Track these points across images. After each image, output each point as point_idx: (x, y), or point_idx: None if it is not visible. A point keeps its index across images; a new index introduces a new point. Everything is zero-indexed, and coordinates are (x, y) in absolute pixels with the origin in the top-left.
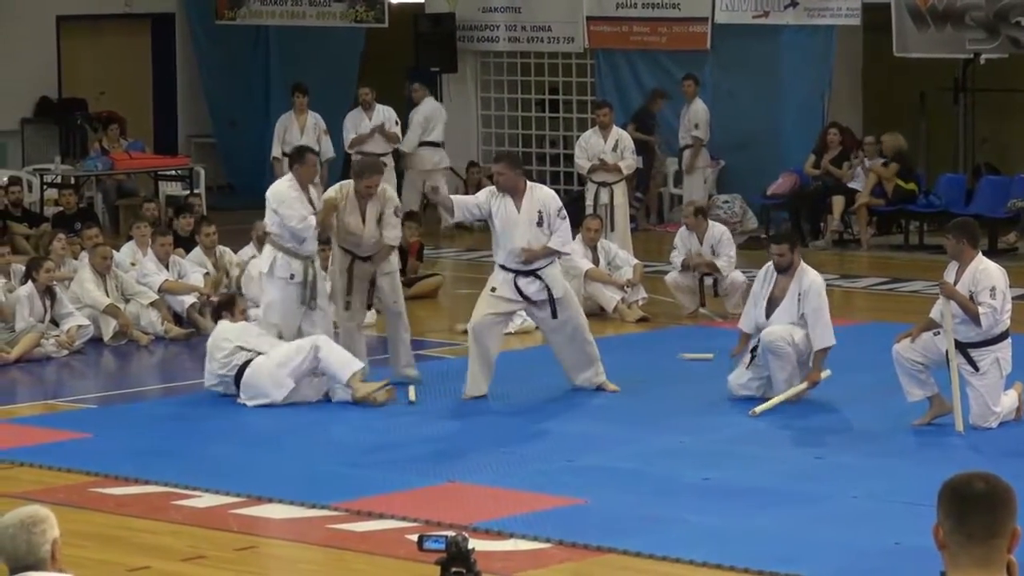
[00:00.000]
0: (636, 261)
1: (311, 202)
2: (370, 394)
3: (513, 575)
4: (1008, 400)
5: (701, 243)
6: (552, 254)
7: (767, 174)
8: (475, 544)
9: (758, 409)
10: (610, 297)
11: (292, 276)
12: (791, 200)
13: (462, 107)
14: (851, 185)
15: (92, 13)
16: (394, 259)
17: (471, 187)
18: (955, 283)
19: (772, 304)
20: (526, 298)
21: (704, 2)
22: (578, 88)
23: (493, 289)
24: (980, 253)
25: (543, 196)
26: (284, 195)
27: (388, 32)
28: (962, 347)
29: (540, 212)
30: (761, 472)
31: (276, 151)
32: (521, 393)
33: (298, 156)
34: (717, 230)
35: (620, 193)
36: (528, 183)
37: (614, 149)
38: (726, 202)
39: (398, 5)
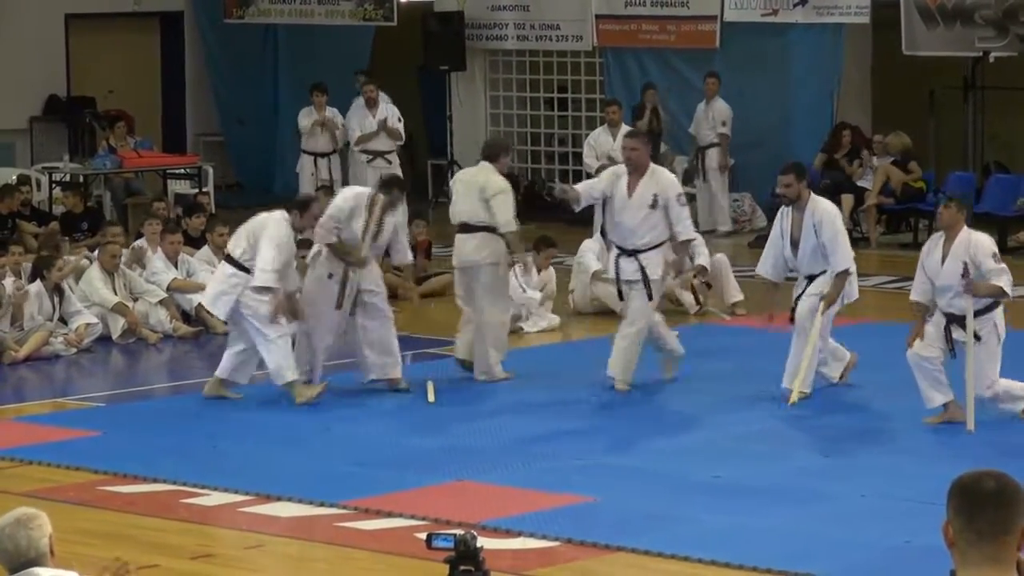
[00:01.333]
0: None
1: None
2: (311, 398)
3: (522, 573)
4: None
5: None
6: (688, 243)
7: (775, 172)
8: (484, 542)
9: (793, 398)
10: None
11: (331, 275)
12: None
13: (471, 105)
14: (860, 183)
15: (101, 11)
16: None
17: None
18: (943, 256)
19: (795, 243)
20: (620, 277)
21: (713, 0)
22: (587, 87)
23: (604, 272)
24: (965, 226)
25: (663, 180)
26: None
27: (397, 30)
28: (960, 319)
29: (656, 195)
30: (771, 470)
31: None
32: (530, 391)
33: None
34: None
35: None
36: (652, 165)
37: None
38: (735, 200)
39: (407, 3)
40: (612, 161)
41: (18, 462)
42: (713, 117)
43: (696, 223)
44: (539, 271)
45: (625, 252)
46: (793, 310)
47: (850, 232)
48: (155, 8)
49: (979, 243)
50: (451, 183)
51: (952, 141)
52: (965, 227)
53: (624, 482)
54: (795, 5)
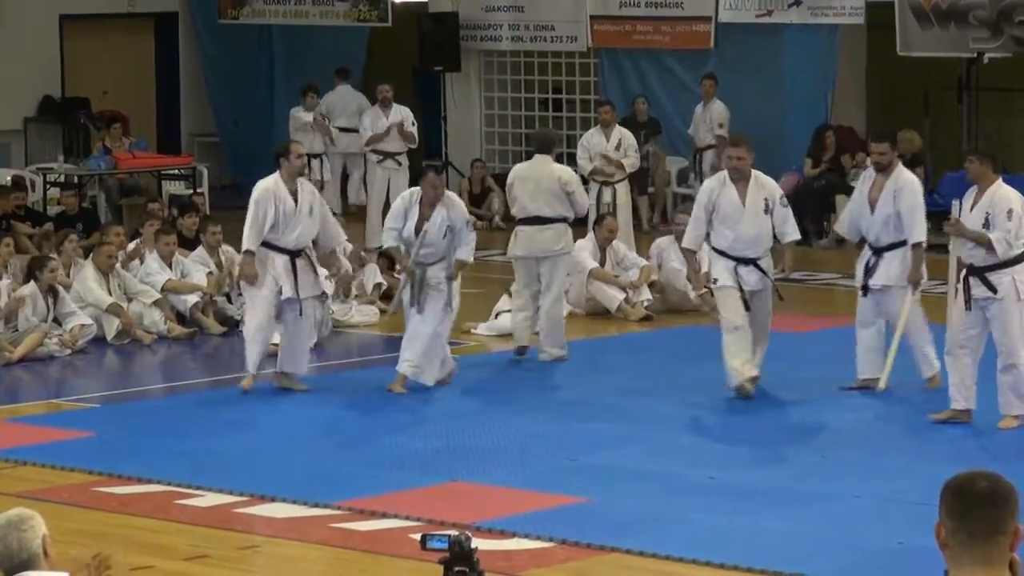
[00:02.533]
0: (645, 263)
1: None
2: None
3: (516, 574)
4: None
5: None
6: (793, 244)
7: (770, 173)
8: (478, 543)
9: (881, 383)
10: (613, 297)
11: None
12: (794, 199)
13: (465, 106)
14: (854, 184)
15: (95, 12)
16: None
17: (474, 183)
18: (972, 207)
19: (872, 207)
20: (743, 288)
21: (707, 1)
22: (581, 87)
23: (715, 281)
24: (1000, 179)
25: (768, 184)
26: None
27: (392, 31)
28: (979, 271)
29: (766, 200)
30: (766, 471)
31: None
32: (524, 391)
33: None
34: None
35: (623, 192)
36: (753, 171)
37: (617, 147)
38: None
39: (401, 4)
40: (606, 159)
41: (12, 463)
42: (711, 119)
43: None
44: None
45: (743, 261)
46: (865, 287)
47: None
48: (150, 9)
49: (1003, 197)
50: (509, 180)
51: (947, 142)
52: (999, 180)
53: (618, 483)
54: (789, 6)
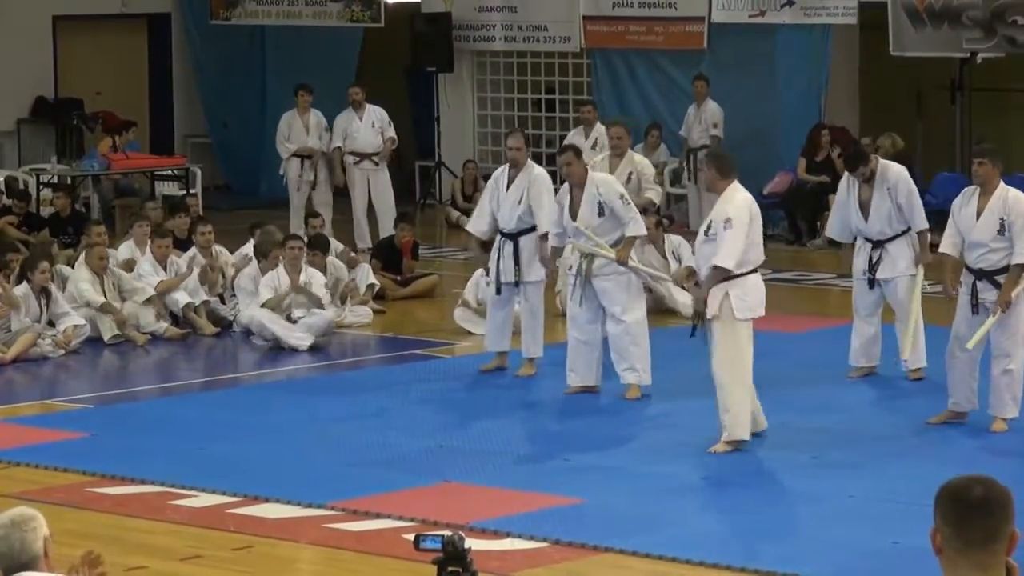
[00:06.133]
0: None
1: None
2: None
3: (510, 574)
4: None
5: (664, 256)
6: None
7: (764, 173)
8: (471, 543)
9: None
10: None
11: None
12: (787, 199)
13: (459, 107)
14: None
15: (88, 13)
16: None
17: (467, 184)
18: (979, 211)
19: (863, 209)
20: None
21: (700, 1)
22: (574, 88)
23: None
24: (1002, 180)
25: (1012, 199)
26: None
27: (385, 32)
28: (989, 275)
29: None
30: (759, 471)
31: (283, 151)
32: (517, 392)
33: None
34: (675, 239)
35: None
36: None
37: (593, 147)
38: None
39: (394, 5)
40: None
41: (6, 464)
42: (705, 119)
43: (687, 224)
44: None
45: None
46: (872, 279)
47: None
48: (142, 10)
49: (1017, 199)
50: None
51: (940, 142)
52: (1002, 183)
53: (611, 483)
54: (782, 6)
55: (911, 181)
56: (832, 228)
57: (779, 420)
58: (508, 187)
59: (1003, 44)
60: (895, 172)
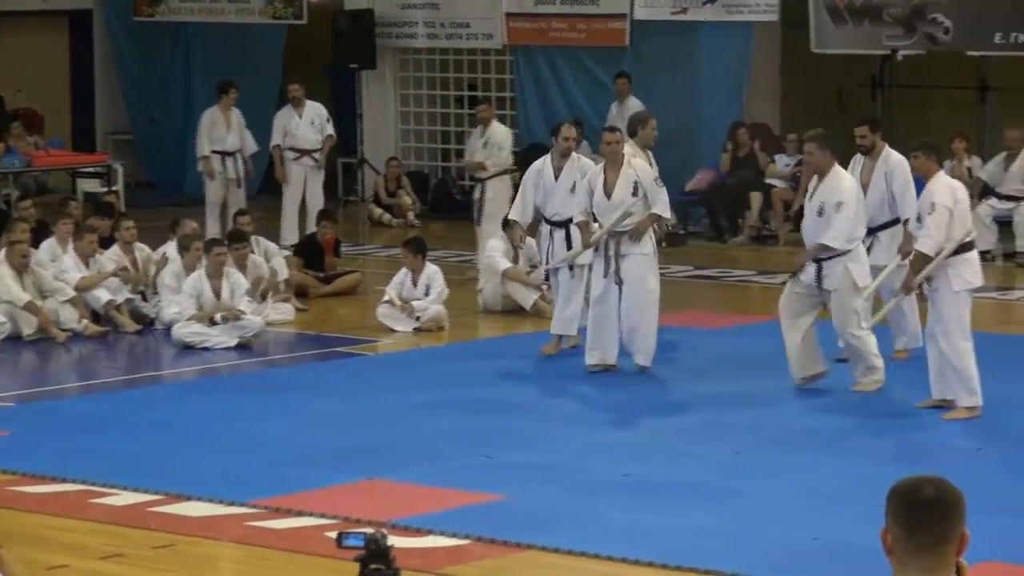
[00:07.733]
0: None
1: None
2: None
3: (432, 572)
4: None
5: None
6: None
7: (685, 170)
8: (394, 541)
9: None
10: (527, 295)
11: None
12: (709, 196)
13: (381, 104)
14: (769, 181)
15: (9, 9)
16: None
17: (389, 181)
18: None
19: (864, 187)
20: None
21: None
22: (497, 85)
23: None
24: (942, 172)
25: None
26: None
27: (308, 28)
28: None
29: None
30: (681, 468)
31: (204, 149)
32: (441, 389)
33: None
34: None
35: (491, 188)
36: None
37: (484, 145)
38: None
39: (317, 2)
40: (471, 162)
41: None
42: (627, 116)
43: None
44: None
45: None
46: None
47: (759, 230)
48: (64, 6)
49: (929, 190)
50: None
51: None
52: (940, 173)
53: (534, 480)
54: (704, 3)
55: (909, 172)
56: None
57: (700, 416)
58: (557, 177)
59: (923, 41)
60: (896, 159)
